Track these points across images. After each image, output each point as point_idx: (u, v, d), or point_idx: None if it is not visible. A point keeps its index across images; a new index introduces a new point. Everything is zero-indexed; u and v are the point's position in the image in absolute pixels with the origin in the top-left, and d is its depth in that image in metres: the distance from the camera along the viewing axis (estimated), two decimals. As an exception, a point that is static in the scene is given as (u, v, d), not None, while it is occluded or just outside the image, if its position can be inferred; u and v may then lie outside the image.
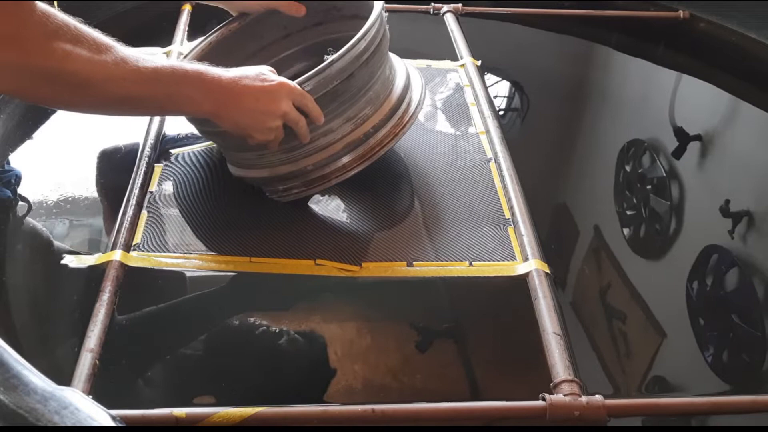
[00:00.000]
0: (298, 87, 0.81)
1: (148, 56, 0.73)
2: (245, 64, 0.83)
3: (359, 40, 0.85)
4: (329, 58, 0.83)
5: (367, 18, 0.93)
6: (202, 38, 1.02)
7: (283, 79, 0.81)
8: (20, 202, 0.97)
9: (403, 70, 1.00)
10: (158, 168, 0.98)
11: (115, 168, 1.05)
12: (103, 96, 0.71)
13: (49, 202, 0.98)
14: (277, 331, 0.84)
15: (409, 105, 0.95)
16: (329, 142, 0.88)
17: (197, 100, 0.77)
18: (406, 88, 0.97)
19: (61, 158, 1.08)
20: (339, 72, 0.84)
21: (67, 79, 0.68)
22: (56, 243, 0.92)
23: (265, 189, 0.92)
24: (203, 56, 0.98)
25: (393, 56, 0.98)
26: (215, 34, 1.02)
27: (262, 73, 0.81)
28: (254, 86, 0.79)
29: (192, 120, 0.88)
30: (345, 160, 0.89)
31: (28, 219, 0.96)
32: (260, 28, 1.07)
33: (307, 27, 1.09)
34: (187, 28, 1.32)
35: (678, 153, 1.22)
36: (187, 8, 1.34)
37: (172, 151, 1.01)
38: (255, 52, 1.08)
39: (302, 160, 0.88)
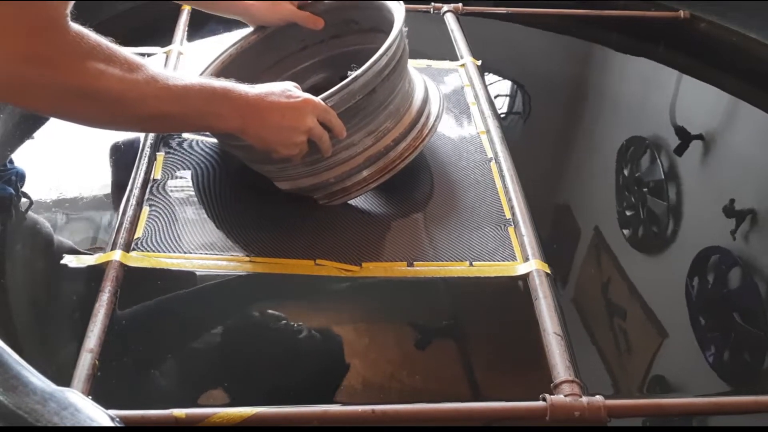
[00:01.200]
0: (323, 103, 0.83)
1: (177, 74, 0.76)
2: (264, 76, 0.84)
3: (381, 55, 0.86)
4: (352, 74, 0.84)
5: (384, 31, 0.96)
6: (221, 51, 1.04)
7: (308, 95, 0.83)
8: (22, 200, 0.97)
9: (421, 83, 1.02)
10: (160, 157, 0.98)
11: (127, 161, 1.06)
12: (134, 113, 0.74)
13: (49, 201, 0.98)
14: (277, 331, 0.84)
15: (428, 118, 0.97)
16: (350, 156, 0.89)
17: (225, 117, 0.79)
18: (425, 101, 0.98)
19: (61, 157, 1.08)
20: (362, 87, 0.85)
21: (101, 98, 0.70)
22: (57, 239, 0.92)
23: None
24: (223, 68, 1.01)
25: (411, 69, 1.00)
26: (235, 47, 1.04)
27: (287, 89, 0.83)
28: (280, 102, 0.81)
29: (216, 134, 0.89)
30: (365, 173, 0.91)
31: (30, 216, 0.96)
32: (278, 41, 1.08)
33: (325, 40, 1.10)
34: (186, 28, 1.32)
35: (679, 153, 1.22)
36: (186, 8, 1.34)
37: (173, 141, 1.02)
38: (273, 64, 1.09)
39: (324, 173, 0.90)
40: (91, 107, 0.71)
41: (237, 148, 0.90)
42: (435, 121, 0.97)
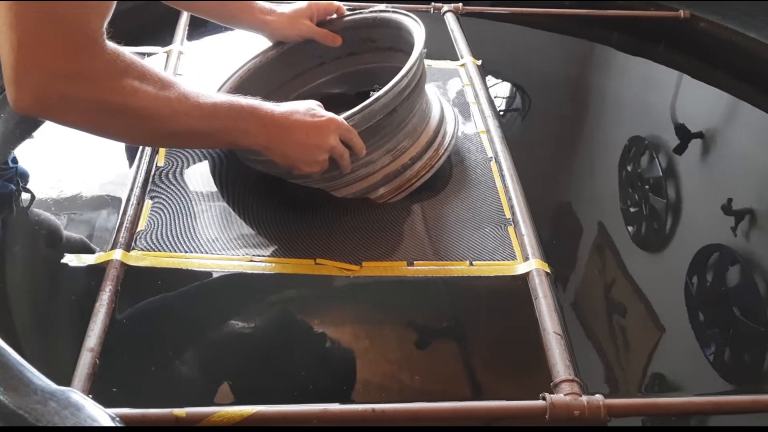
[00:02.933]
0: (345, 123, 0.85)
1: (205, 92, 0.78)
2: (281, 91, 0.87)
3: (403, 77, 0.88)
4: (375, 95, 0.86)
5: (402, 50, 1.01)
6: (240, 65, 1.06)
7: (331, 114, 0.85)
8: (23, 199, 0.97)
9: (437, 103, 1.04)
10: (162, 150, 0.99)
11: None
12: (166, 130, 0.76)
13: (50, 199, 0.98)
14: (276, 331, 0.84)
15: (443, 138, 0.99)
16: (368, 173, 0.92)
17: (251, 134, 0.81)
18: (441, 120, 1.01)
19: (61, 156, 1.08)
20: (383, 107, 0.87)
21: (135, 114, 0.72)
22: (66, 234, 0.92)
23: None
24: (242, 82, 1.03)
25: (428, 89, 1.01)
26: (254, 61, 1.06)
27: (311, 108, 0.85)
28: (305, 121, 0.83)
29: (239, 150, 0.90)
30: (382, 190, 0.93)
31: (33, 213, 0.96)
32: (296, 56, 1.10)
33: (341, 56, 1.13)
34: (187, 28, 1.32)
35: (679, 152, 1.22)
36: (187, 8, 1.34)
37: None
38: (290, 79, 1.11)
39: (342, 189, 0.92)
40: (125, 123, 0.73)
41: (258, 162, 0.91)
42: (450, 140, 1.00)
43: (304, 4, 1.08)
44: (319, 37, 1.08)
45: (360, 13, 1.11)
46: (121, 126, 0.74)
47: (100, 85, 0.68)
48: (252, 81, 1.04)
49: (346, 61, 1.13)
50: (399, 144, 0.93)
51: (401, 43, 1.04)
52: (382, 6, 1.10)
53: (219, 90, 1.00)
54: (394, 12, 1.06)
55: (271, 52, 1.08)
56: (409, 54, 0.97)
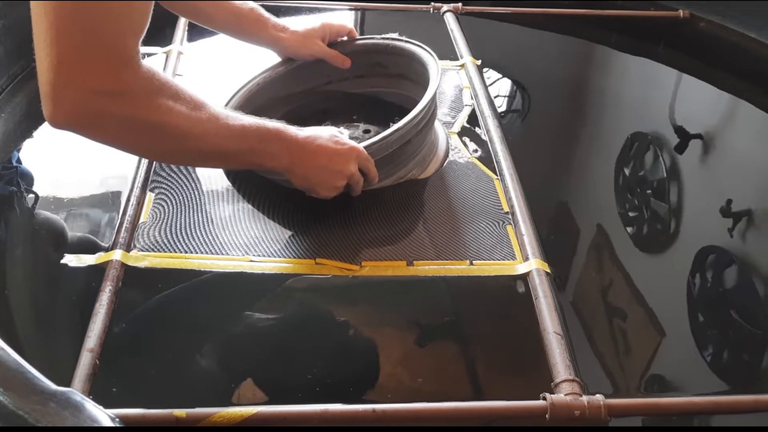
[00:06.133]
0: (365, 152, 0.87)
1: (232, 113, 0.80)
2: (286, 107, 0.87)
3: (420, 111, 0.92)
4: (394, 126, 0.90)
5: (411, 79, 1.07)
6: (249, 79, 1.07)
7: (353, 143, 0.87)
8: (24, 199, 0.97)
9: (443, 133, 1.09)
10: None
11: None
12: (196, 149, 0.78)
13: (50, 200, 0.98)
14: (276, 331, 0.84)
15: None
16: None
17: (276, 155, 0.83)
18: (447, 150, 1.06)
19: (61, 156, 1.08)
20: (398, 138, 0.91)
21: (168, 133, 0.74)
22: (72, 234, 0.92)
23: None
24: (251, 96, 1.05)
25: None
26: (263, 76, 1.08)
27: (335, 135, 0.87)
28: (328, 147, 0.85)
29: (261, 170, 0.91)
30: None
31: (35, 213, 0.96)
32: (303, 74, 1.12)
33: (349, 78, 1.14)
34: (187, 28, 1.32)
35: (678, 152, 1.21)
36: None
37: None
38: (296, 96, 1.12)
39: None
40: (158, 142, 0.75)
41: (275, 178, 0.93)
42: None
43: (317, 24, 1.09)
44: (330, 57, 1.09)
45: (372, 38, 1.13)
46: (154, 144, 0.76)
47: (136, 103, 0.70)
48: (259, 96, 1.06)
49: (352, 83, 1.15)
50: (409, 172, 0.97)
51: (411, 72, 1.08)
52: (395, 35, 1.12)
53: (227, 104, 1.01)
54: (407, 42, 1.09)
55: (280, 68, 1.09)
56: (417, 83, 1.04)
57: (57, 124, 0.68)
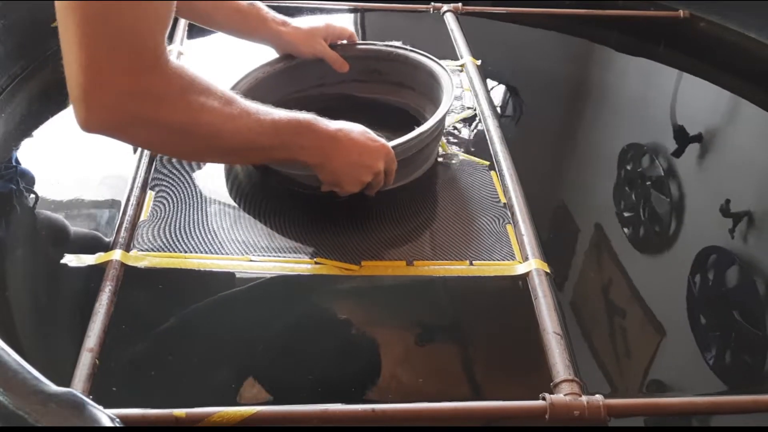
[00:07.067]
0: (393, 152, 0.87)
1: (262, 107, 0.78)
2: (283, 105, 0.85)
3: (442, 117, 0.94)
4: (418, 130, 0.91)
5: (412, 88, 1.08)
6: (246, 73, 1.05)
7: (384, 141, 0.86)
8: (24, 198, 0.97)
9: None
10: None
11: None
12: (228, 145, 0.76)
13: (50, 200, 0.98)
14: (275, 330, 0.83)
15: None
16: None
17: (307, 149, 0.81)
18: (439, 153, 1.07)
19: (62, 156, 1.08)
20: (419, 143, 0.92)
21: (202, 131, 0.72)
22: (74, 230, 0.92)
23: None
24: (248, 91, 1.02)
25: None
26: (260, 71, 1.06)
27: (366, 131, 0.86)
28: (360, 141, 0.84)
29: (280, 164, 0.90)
30: None
31: (35, 213, 0.96)
32: (299, 73, 1.10)
33: (344, 81, 1.13)
34: (187, 28, 1.32)
35: (678, 152, 1.21)
36: (186, 7, 1.34)
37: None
38: (291, 95, 1.11)
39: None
40: (192, 139, 0.73)
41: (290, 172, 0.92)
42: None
43: (321, 23, 1.09)
44: (330, 59, 1.08)
45: (374, 44, 1.12)
46: (188, 142, 0.74)
47: (169, 101, 0.69)
48: (257, 91, 1.04)
49: (347, 86, 1.14)
50: (412, 174, 0.98)
51: (412, 80, 1.08)
52: (398, 42, 1.12)
53: None
54: (411, 51, 1.09)
55: (278, 64, 1.08)
56: (419, 92, 1.06)
57: (90, 128, 0.67)
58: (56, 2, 0.63)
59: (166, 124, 0.70)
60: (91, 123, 0.66)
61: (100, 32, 0.62)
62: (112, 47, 0.63)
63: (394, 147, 0.88)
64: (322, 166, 0.84)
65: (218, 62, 1.26)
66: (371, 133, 0.86)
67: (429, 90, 1.06)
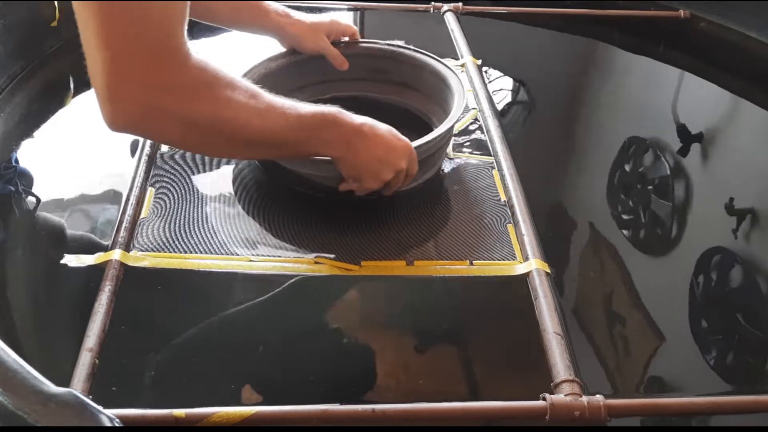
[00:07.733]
0: (415, 153, 0.87)
1: (286, 100, 0.77)
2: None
3: (457, 120, 0.94)
4: (437, 131, 0.91)
5: (417, 89, 1.07)
6: (249, 68, 1.03)
7: (408, 140, 0.86)
8: (23, 199, 0.97)
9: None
10: None
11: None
12: (255, 140, 0.75)
13: (50, 200, 0.98)
14: (275, 330, 0.83)
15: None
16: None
17: (332, 143, 0.81)
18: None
19: (62, 156, 1.08)
20: (437, 143, 0.92)
21: (228, 125, 0.71)
22: (70, 233, 0.92)
23: None
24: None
25: None
26: (263, 65, 1.05)
27: (391, 129, 0.85)
28: (386, 138, 0.84)
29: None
30: None
31: (34, 213, 0.96)
32: (301, 69, 1.09)
33: (345, 79, 1.12)
34: (187, 27, 1.32)
35: (679, 152, 1.21)
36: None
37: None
38: (292, 90, 1.09)
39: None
40: (219, 134, 0.72)
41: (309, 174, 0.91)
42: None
43: (326, 18, 1.08)
44: (331, 56, 1.07)
45: (377, 43, 1.11)
46: (215, 137, 0.73)
47: (196, 95, 0.68)
48: (261, 86, 1.04)
49: (348, 85, 1.13)
50: (424, 175, 0.97)
51: (417, 82, 1.07)
52: (401, 42, 1.11)
53: None
54: (417, 51, 1.08)
55: (282, 59, 1.07)
56: (424, 93, 1.06)
57: (117, 125, 0.66)
58: (74, 2, 0.62)
59: (193, 118, 0.69)
60: (117, 120, 0.66)
61: (123, 29, 0.62)
62: (136, 43, 0.63)
63: (416, 147, 0.87)
64: (345, 159, 0.83)
65: (219, 61, 1.26)
66: (396, 132, 0.86)
67: (429, 88, 1.06)
